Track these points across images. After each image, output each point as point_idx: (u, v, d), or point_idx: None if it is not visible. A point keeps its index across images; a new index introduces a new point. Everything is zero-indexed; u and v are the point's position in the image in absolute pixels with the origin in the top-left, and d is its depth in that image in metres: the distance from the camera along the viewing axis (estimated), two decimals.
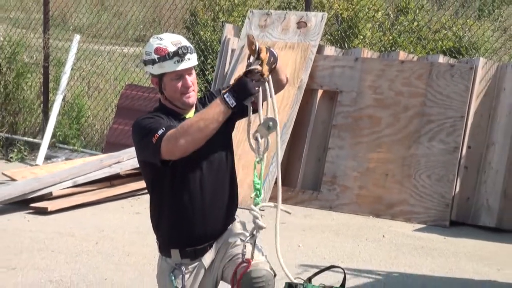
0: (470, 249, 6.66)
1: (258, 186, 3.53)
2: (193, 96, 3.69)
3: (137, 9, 11.51)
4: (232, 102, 3.42)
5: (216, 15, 10.68)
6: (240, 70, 7.38)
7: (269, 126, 3.50)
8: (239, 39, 8.75)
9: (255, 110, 3.55)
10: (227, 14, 10.50)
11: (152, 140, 3.51)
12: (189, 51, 3.62)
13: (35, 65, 10.82)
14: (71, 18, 12.70)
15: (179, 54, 3.60)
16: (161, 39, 3.67)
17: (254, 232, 3.51)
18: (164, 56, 3.61)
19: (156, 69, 3.65)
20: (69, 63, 10.16)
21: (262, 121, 3.51)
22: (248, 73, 3.46)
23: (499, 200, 7.26)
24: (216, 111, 3.44)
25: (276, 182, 7.84)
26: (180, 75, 3.64)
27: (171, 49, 3.61)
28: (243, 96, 3.44)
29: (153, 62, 3.64)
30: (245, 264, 3.51)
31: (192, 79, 3.67)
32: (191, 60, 3.65)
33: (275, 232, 3.52)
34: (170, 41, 3.64)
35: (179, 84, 3.65)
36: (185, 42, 3.66)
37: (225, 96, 3.43)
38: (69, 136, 10.15)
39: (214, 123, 3.45)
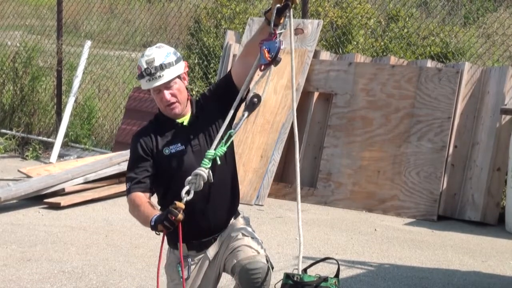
0: (457, 242, 6.66)
1: (210, 156, 3.46)
2: (177, 108, 3.67)
3: (145, 16, 11.51)
4: (153, 223, 3.50)
5: (219, 22, 10.65)
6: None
7: (253, 102, 3.49)
8: (240, 45, 8.73)
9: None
10: (229, 21, 10.47)
11: (126, 184, 3.71)
12: (159, 69, 3.57)
13: (49, 69, 10.82)
14: (82, 25, 12.68)
15: (148, 74, 3.60)
16: (143, 55, 3.65)
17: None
18: (140, 74, 3.64)
19: (141, 84, 3.71)
20: (80, 67, 10.15)
21: (248, 98, 3.52)
22: (170, 207, 3.46)
23: (483, 196, 7.25)
24: (147, 220, 3.56)
25: (274, 179, 7.87)
26: (159, 90, 3.64)
27: (143, 68, 3.61)
28: (159, 223, 3.47)
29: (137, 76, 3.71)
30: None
31: (172, 91, 3.63)
32: (164, 76, 3.59)
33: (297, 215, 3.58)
34: (146, 59, 3.60)
35: (160, 98, 3.65)
36: (158, 61, 3.58)
37: (152, 219, 3.51)
38: (80, 136, 10.14)
39: (144, 225, 3.62)
